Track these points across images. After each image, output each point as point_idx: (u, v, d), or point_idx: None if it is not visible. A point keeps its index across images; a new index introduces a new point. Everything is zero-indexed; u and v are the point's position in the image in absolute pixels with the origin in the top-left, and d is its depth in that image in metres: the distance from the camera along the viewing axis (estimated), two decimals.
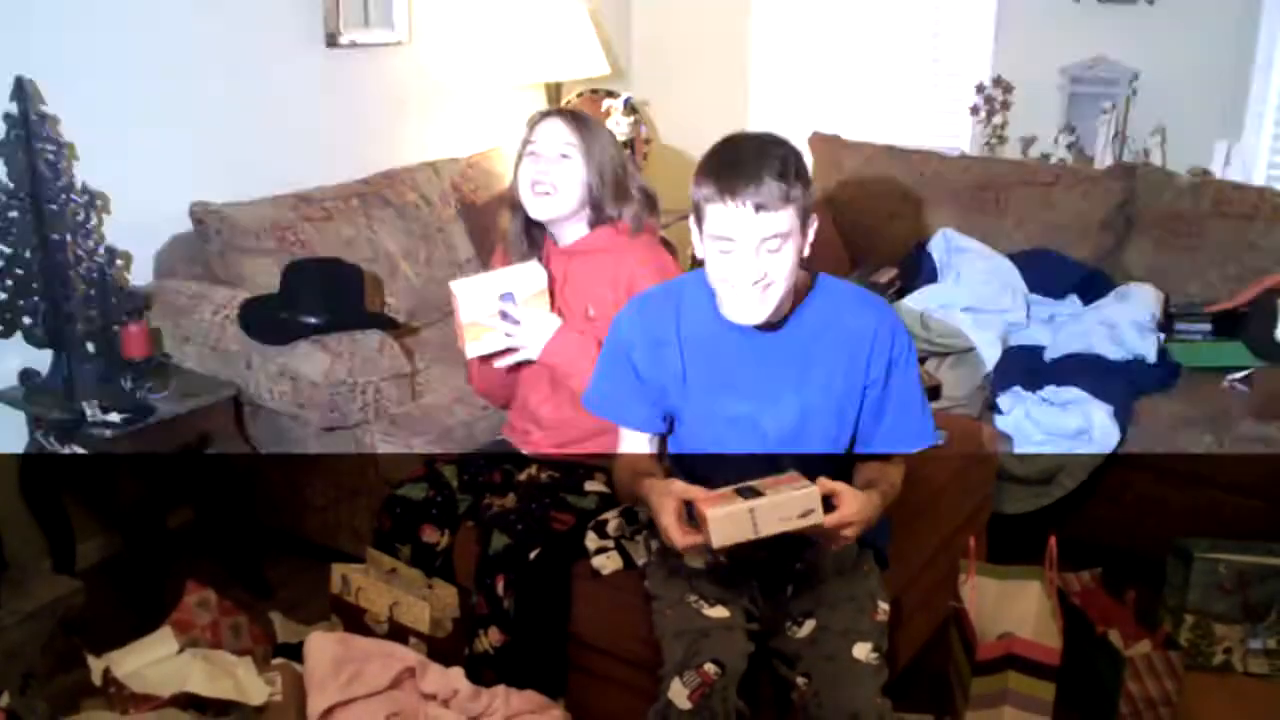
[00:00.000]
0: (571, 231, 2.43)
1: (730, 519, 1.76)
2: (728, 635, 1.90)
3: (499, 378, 2.50)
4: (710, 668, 1.82)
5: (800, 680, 1.88)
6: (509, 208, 2.48)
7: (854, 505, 1.81)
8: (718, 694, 1.81)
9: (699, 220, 1.88)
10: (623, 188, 2.41)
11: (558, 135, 2.36)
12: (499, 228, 2.55)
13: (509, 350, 2.39)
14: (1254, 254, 3.42)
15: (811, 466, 1.96)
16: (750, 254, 1.81)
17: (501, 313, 2.35)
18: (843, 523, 1.81)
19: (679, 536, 1.81)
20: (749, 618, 1.98)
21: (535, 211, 2.38)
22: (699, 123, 4.77)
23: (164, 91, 3.16)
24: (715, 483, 1.99)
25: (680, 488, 1.86)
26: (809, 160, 4.23)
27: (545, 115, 2.43)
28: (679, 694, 1.81)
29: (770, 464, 1.97)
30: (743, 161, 1.81)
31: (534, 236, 2.49)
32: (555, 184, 2.34)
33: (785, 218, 1.80)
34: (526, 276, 2.37)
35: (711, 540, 1.76)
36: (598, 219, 2.41)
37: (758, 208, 1.78)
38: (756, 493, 1.79)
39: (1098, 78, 3.88)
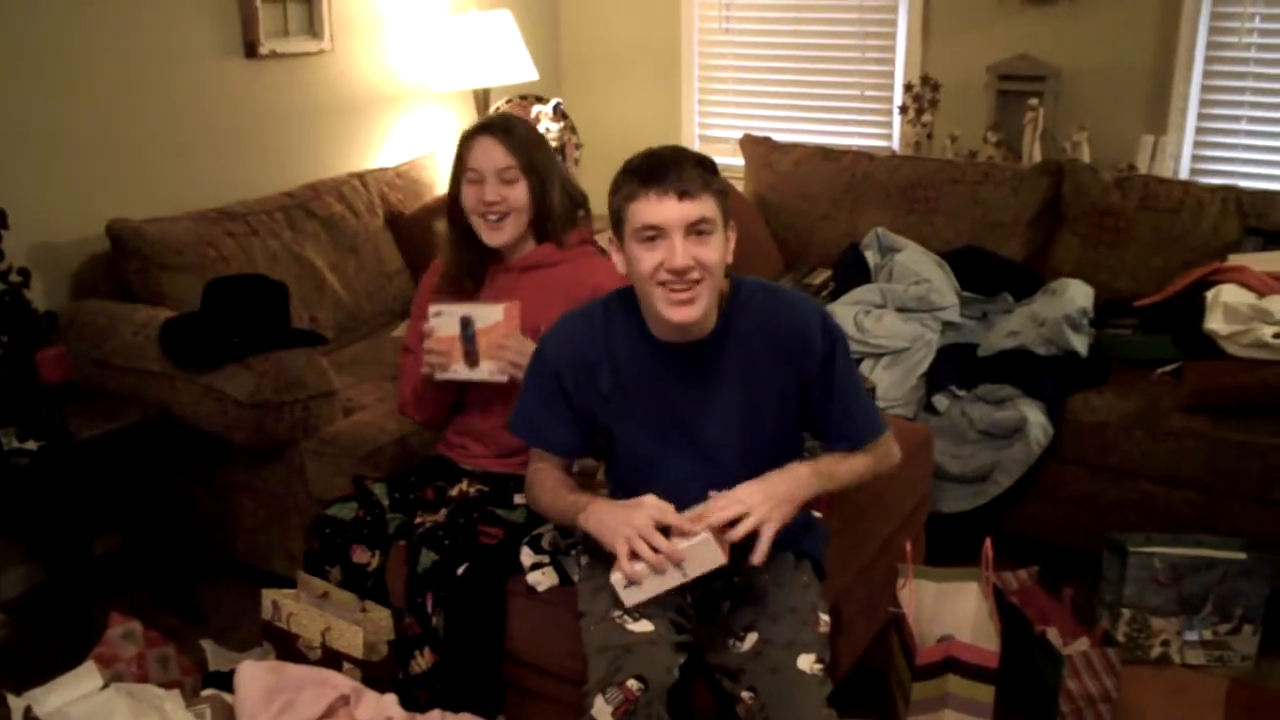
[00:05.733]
0: (518, 247, 2.39)
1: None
2: (651, 650, 1.87)
3: (442, 404, 2.47)
4: (633, 684, 1.80)
5: (745, 694, 1.86)
6: (448, 223, 2.41)
7: (748, 492, 1.86)
8: (642, 710, 1.79)
9: (620, 225, 1.89)
10: (565, 195, 2.38)
11: (495, 158, 2.30)
12: (438, 237, 2.48)
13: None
14: (1180, 247, 3.46)
15: (759, 472, 1.93)
16: (679, 240, 1.82)
17: (462, 338, 2.28)
18: (745, 512, 1.84)
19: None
20: (679, 630, 1.95)
21: (491, 240, 2.33)
22: (630, 126, 4.76)
23: (75, 104, 3.08)
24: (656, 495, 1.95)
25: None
26: (740, 163, 4.16)
27: (476, 133, 2.34)
28: (602, 710, 1.79)
29: (711, 476, 1.95)
30: (660, 158, 1.86)
31: (473, 257, 2.41)
32: (506, 209, 2.30)
33: (709, 205, 1.85)
34: (488, 310, 2.28)
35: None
36: (543, 231, 2.37)
37: (681, 195, 1.82)
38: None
39: (1023, 75, 3.91)
